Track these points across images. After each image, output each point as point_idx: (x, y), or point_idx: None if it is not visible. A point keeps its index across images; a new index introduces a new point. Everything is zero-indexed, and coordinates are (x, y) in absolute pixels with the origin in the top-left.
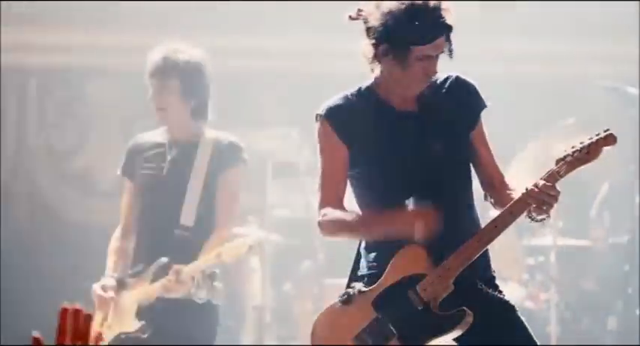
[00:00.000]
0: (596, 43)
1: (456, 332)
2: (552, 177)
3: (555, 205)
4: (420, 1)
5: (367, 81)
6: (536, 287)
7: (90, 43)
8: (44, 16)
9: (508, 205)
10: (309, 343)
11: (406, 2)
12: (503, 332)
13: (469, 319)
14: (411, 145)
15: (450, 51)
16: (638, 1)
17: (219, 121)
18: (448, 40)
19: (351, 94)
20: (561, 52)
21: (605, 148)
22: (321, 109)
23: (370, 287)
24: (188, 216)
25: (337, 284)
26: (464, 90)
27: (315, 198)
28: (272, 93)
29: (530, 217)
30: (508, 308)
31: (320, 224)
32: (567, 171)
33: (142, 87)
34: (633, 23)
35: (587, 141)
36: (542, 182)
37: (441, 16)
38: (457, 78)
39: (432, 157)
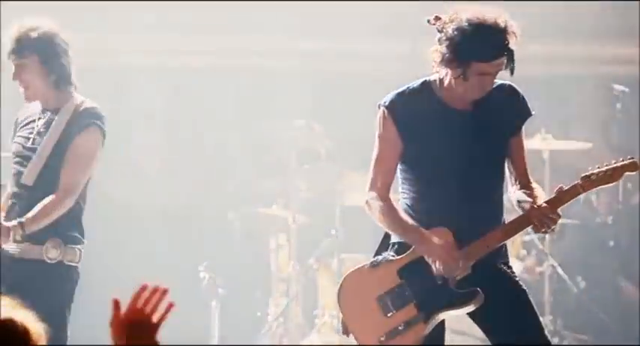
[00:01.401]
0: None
1: (468, 309)
2: (566, 194)
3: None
4: (490, 21)
5: (430, 78)
6: (532, 261)
7: None
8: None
9: (516, 218)
10: (329, 309)
11: (477, 19)
12: (509, 306)
13: (480, 299)
14: (462, 143)
15: (512, 70)
16: (638, 1)
17: (249, 115)
18: (509, 60)
19: (414, 90)
20: (553, 52)
21: (627, 173)
22: (386, 101)
23: (398, 257)
24: (29, 176)
25: (354, 259)
26: (514, 98)
27: (340, 182)
28: (298, 89)
29: (534, 230)
30: (515, 286)
31: (370, 205)
32: (590, 188)
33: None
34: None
35: (612, 165)
36: (544, 205)
37: (504, 39)
38: (510, 86)
39: (476, 155)
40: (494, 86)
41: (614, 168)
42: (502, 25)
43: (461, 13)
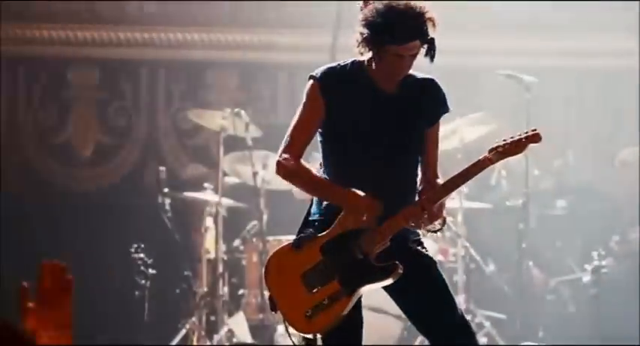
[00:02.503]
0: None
1: (387, 282)
2: (475, 167)
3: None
4: (405, 6)
5: (360, 58)
6: (445, 243)
7: (71, 37)
8: (34, 15)
9: (403, 210)
10: (254, 288)
11: (392, 3)
12: (426, 283)
13: (399, 271)
14: (385, 123)
15: (432, 57)
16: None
17: (179, 103)
18: (426, 44)
19: (345, 66)
20: (469, 45)
21: (531, 144)
22: (316, 72)
23: (319, 234)
24: None
25: (278, 241)
26: (436, 92)
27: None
28: (226, 79)
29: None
30: (431, 265)
31: (283, 165)
32: (497, 160)
33: (114, 74)
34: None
35: (516, 137)
36: (416, 207)
37: (419, 23)
38: (433, 81)
39: (396, 137)
40: (420, 78)
41: (518, 140)
42: (417, 10)
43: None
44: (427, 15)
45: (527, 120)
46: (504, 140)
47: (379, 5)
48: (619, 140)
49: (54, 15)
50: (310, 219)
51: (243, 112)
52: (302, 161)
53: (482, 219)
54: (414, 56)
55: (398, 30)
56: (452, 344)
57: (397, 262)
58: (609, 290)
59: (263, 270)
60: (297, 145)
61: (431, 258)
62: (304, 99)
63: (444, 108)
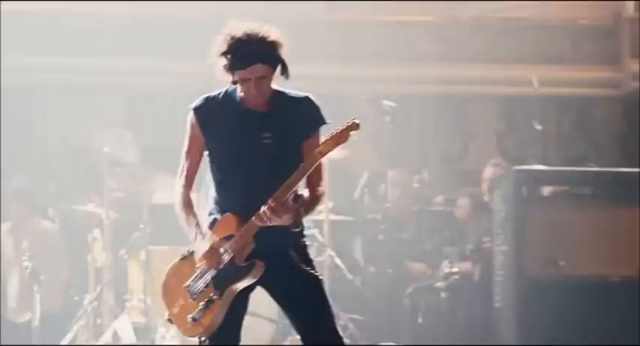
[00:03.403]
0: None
1: (251, 279)
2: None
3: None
4: (242, 34)
5: (231, 86)
6: (313, 252)
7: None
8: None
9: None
10: (138, 293)
11: (232, 32)
12: (304, 298)
13: (259, 269)
14: (255, 138)
15: (286, 75)
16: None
17: (70, 124)
18: (275, 65)
19: (217, 95)
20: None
21: (352, 132)
22: (193, 104)
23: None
24: None
25: (160, 250)
26: (310, 107)
27: (148, 183)
28: (113, 103)
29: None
30: (310, 277)
31: (176, 190)
32: (327, 150)
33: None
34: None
35: (339, 129)
36: (265, 209)
37: (260, 47)
38: (307, 97)
39: (269, 150)
40: (293, 95)
41: (341, 131)
42: (259, 36)
43: (230, 29)
44: (269, 39)
45: (387, 140)
46: (330, 133)
47: (223, 34)
48: (468, 158)
49: None
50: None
51: (127, 133)
52: (189, 188)
53: (346, 230)
54: (266, 77)
55: (238, 56)
56: None
57: (256, 260)
58: (459, 293)
59: (161, 285)
60: (186, 172)
61: (314, 275)
62: (188, 129)
63: (319, 121)
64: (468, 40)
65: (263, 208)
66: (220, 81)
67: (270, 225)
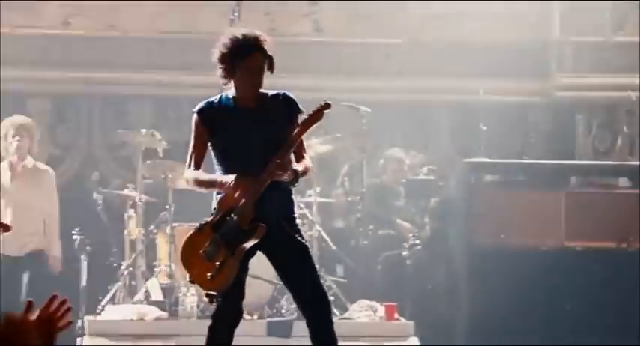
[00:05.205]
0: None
1: (254, 240)
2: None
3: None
4: (240, 33)
5: (228, 91)
6: (305, 227)
7: None
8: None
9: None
10: (164, 261)
11: (230, 34)
12: (296, 262)
13: (261, 230)
14: (248, 129)
15: (272, 69)
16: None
17: (111, 125)
18: (267, 59)
19: (217, 98)
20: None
21: (326, 111)
22: (196, 108)
23: (210, 219)
24: None
25: (181, 226)
26: (287, 99)
27: (172, 172)
28: (144, 108)
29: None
30: (298, 243)
31: (186, 178)
32: (305, 129)
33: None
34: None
35: (314, 108)
36: (271, 165)
37: (256, 40)
38: (284, 93)
39: (260, 137)
40: (273, 92)
41: (316, 110)
42: (253, 34)
43: (223, 37)
44: (263, 37)
45: (364, 140)
46: (308, 114)
47: (223, 40)
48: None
49: None
50: (212, 208)
51: (156, 132)
52: (194, 170)
53: (330, 209)
54: (261, 69)
55: (240, 46)
56: (311, 306)
57: (260, 224)
58: (420, 260)
59: (179, 254)
60: (192, 164)
61: (303, 243)
62: (192, 129)
63: (296, 109)
64: (428, 58)
65: (270, 164)
66: (220, 86)
67: (276, 179)
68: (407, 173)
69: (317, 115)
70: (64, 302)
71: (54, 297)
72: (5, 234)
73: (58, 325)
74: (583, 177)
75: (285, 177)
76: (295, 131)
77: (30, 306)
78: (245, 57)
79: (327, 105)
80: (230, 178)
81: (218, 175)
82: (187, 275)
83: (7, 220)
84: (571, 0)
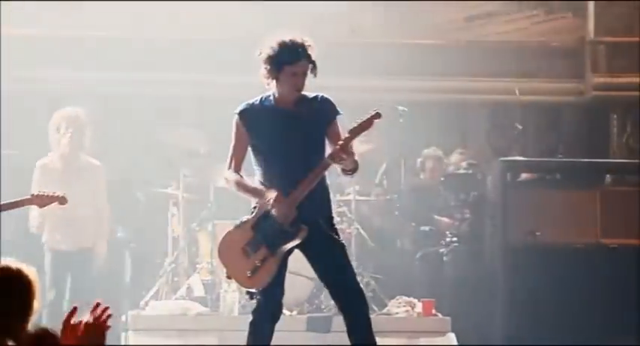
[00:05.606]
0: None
1: (296, 241)
2: (346, 140)
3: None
4: (289, 38)
5: (268, 92)
6: (344, 225)
7: None
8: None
9: (321, 162)
10: (206, 257)
11: (279, 39)
12: (333, 259)
13: (303, 232)
14: (287, 132)
15: (315, 73)
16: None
17: (154, 125)
18: (311, 65)
19: (257, 100)
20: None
21: (376, 120)
22: (238, 109)
23: (250, 217)
24: None
25: (223, 223)
26: (326, 102)
27: (213, 171)
28: (189, 108)
29: (343, 171)
30: (336, 242)
31: (227, 178)
32: (356, 135)
33: None
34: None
35: (365, 117)
36: (336, 148)
37: (303, 48)
38: (323, 96)
39: (298, 139)
40: (312, 95)
41: (367, 119)
42: (299, 40)
43: (270, 39)
44: (307, 43)
45: (401, 139)
46: (356, 121)
47: (271, 43)
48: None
49: None
50: (252, 207)
51: (198, 131)
52: (236, 173)
53: (370, 206)
54: (305, 74)
55: (289, 53)
56: (349, 302)
57: (302, 226)
58: (458, 257)
59: (217, 248)
60: (233, 164)
61: (340, 241)
62: (234, 130)
63: (335, 111)
64: (465, 59)
65: (335, 147)
66: (262, 86)
67: (339, 163)
68: (445, 171)
69: (367, 124)
70: (106, 308)
71: (97, 304)
72: (55, 231)
73: (106, 325)
74: (618, 175)
75: (347, 163)
76: (343, 138)
77: (74, 311)
78: (292, 62)
79: (378, 115)
80: (270, 196)
81: (258, 187)
82: (225, 270)
83: (56, 215)
84: (605, 0)
